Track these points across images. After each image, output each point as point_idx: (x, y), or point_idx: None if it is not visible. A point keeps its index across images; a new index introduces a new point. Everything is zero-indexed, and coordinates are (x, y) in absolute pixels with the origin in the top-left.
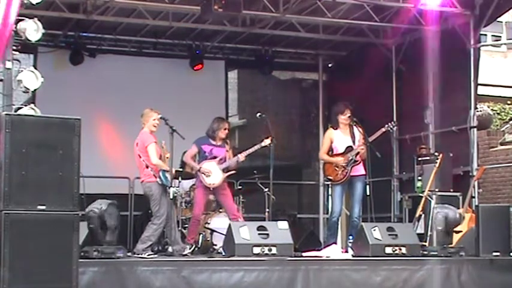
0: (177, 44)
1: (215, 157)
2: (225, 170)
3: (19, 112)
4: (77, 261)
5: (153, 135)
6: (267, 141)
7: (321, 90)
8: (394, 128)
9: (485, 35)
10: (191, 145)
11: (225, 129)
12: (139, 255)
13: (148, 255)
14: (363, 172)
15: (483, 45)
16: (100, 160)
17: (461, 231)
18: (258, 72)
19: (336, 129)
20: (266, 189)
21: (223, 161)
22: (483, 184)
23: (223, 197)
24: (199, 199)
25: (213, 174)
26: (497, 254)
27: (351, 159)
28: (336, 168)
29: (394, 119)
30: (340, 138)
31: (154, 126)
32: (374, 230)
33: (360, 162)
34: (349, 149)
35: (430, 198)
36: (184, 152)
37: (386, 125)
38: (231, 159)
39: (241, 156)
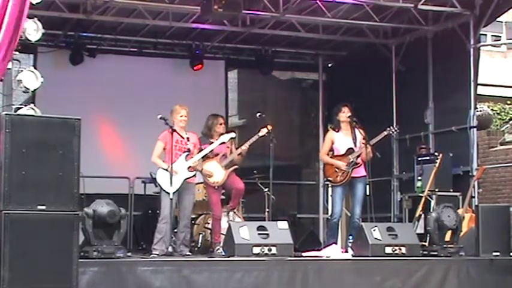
0: (177, 44)
1: (216, 155)
2: (227, 166)
3: (19, 112)
4: (77, 261)
5: (169, 133)
6: (264, 131)
7: (321, 90)
8: (396, 133)
9: (485, 35)
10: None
11: (220, 124)
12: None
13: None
14: (364, 173)
15: (483, 45)
16: (100, 160)
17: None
18: (258, 72)
19: (338, 131)
20: (266, 189)
21: (224, 157)
22: (483, 184)
23: (229, 183)
24: (214, 199)
25: (215, 173)
26: (497, 254)
27: (352, 162)
28: (336, 170)
29: (394, 119)
30: (342, 140)
31: (181, 121)
32: (374, 230)
33: (361, 165)
34: (350, 150)
35: (430, 198)
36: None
37: (388, 129)
38: (232, 153)
39: (244, 148)
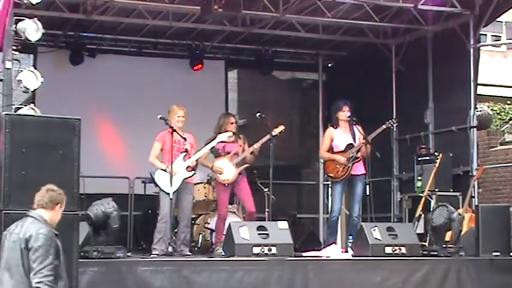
0: (177, 44)
1: (228, 153)
2: (238, 164)
3: (19, 112)
4: (77, 261)
5: (169, 133)
6: (277, 130)
7: (320, 90)
8: (395, 125)
9: (485, 35)
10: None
11: (231, 123)
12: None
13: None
14: (363, 171)
15: (483, 45)
16: (100, 160)
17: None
18: (258, 72)
19: (336, 128)
20: (266, 189)
21: (236, 155)
22: (483, 184)
23: (239, 192)
24: (222, 198)
25: (226, 170)
26: (497, 254)
27: (352, 156)
28: (337, 166)
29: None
30: (341, 137)
31: (179, 122)
32: (374, 230)
33: (360, 160)
34: (349, 146)
35: (430, 198)
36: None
37: (387, 122)
38: (244, 152)
39: (256, 147)
